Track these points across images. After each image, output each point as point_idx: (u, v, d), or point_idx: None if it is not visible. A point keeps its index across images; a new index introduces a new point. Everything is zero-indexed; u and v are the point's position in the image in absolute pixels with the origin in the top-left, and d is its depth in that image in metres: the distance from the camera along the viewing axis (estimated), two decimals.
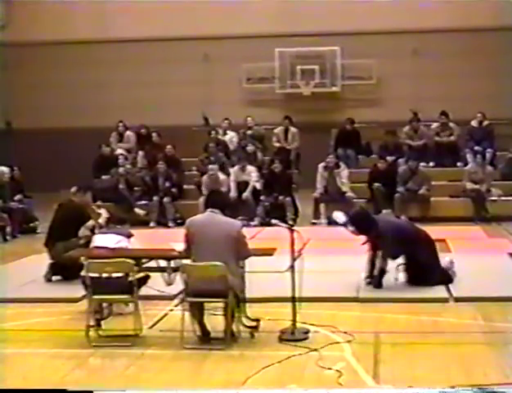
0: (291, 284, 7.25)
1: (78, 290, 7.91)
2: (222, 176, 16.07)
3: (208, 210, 7.16)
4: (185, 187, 16.76)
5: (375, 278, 8.96)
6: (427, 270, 9.01)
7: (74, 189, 10.48)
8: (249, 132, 18.27)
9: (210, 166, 16.24)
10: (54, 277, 9.94)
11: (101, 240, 8.16)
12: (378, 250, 9.04)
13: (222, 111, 19.16)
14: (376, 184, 15.55)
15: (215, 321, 7.31)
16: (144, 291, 7.73)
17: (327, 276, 9.59)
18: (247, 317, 7.44)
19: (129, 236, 8.36)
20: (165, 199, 16.00)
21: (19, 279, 10.05)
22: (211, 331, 7.23)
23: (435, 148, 17.17)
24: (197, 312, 7.13)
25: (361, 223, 9.13)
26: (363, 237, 9.26)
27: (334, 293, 8.77)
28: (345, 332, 7.23)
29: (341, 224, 9.51)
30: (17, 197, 15.35)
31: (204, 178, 16.09)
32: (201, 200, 14.00)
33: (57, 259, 9.72)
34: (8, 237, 14.37)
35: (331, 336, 7.18)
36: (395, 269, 9.10)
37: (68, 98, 21.06)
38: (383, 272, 8.94)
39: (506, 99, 19.08)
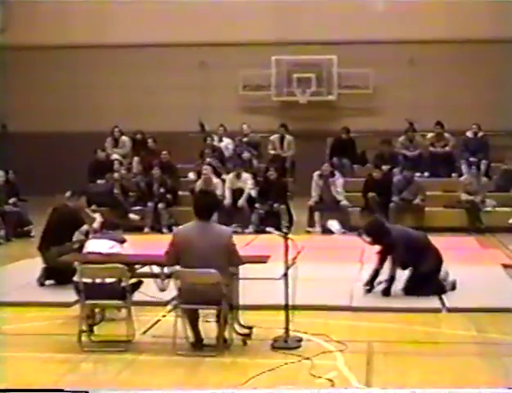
0: (285, 292, 7.25)
1: (71, 294, 7.88)
2: (215, 179, 16.05)
3: (197, 219, 7.09)
4: (180, 193, 16.70)
5: (385, 286, 8.99)
6: (425, 281, 9.03)
7: (68, 193, 10.43)
8: (245, 139, 18.28)
9: (204, 167, 16.23)
10: (47, 282, 9.89)
11: (94, 245, 8.13)
12: (385, 261, 9.10)
13: (218, 118, 19.16)
14: (371, 193, 15.55)
15: (208, 328, 7.30)
16: (137, 296, 7.72)
17: (321, 284, 9.58)
18: (240, 324, 7.43)
19: (122, 241, 8.33)
20: (160, 205, 15.96)
21: (12, 283, 10.03)
22: (203, 337, 7.22)
23: (430, 158, 17.19)
24: (191, 318, 7.12)
25: (376, 233, 9.20)
26: (377, 247, 9.31)
27: (327, 301, 8.76)
28: (338, 341, 7.22)
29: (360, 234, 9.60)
30: (12, 200, 15.32)
31: (198, 182, 16.04)
32: None
33: (51, 264, 9.68)
34: (2, 241, 14.31)
35: (324, 345, 7.18)
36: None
37: (64, 102, 21.04)
38: (392, 280, 8.99)
39: (502, 110, 19.17)
